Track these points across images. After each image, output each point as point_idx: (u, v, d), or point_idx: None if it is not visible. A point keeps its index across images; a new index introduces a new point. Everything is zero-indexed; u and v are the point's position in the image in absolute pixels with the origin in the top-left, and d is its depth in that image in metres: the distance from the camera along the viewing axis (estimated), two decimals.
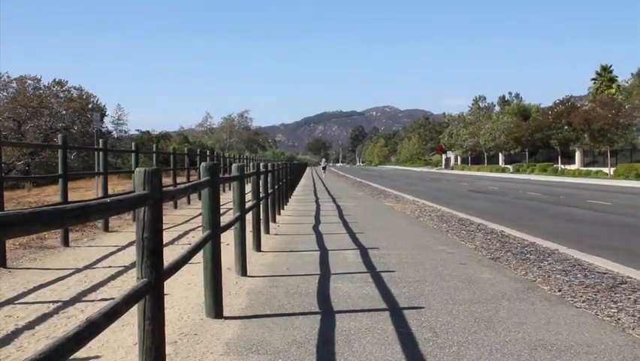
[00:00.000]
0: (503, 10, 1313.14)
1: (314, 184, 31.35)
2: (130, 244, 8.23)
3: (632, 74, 58.05)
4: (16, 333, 4.14)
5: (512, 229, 10.36)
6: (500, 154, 67.79)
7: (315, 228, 10.61)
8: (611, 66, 63.64)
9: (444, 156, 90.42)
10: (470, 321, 4.36)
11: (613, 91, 57.07)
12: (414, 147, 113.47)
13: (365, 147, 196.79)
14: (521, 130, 55.75)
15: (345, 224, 11.12)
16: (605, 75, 63.03)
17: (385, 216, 13.24)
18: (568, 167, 49.68)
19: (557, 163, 52.08)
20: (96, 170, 11.50)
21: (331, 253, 7.55)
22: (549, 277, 6.08)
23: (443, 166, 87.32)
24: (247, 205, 6.65)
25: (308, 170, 66.56)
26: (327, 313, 4.62)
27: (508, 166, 62.04)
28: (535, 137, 53.38)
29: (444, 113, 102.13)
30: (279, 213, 12.67)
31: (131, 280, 5.68)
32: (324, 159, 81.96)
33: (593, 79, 64.89)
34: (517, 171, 55.82)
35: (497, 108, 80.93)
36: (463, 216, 12.66)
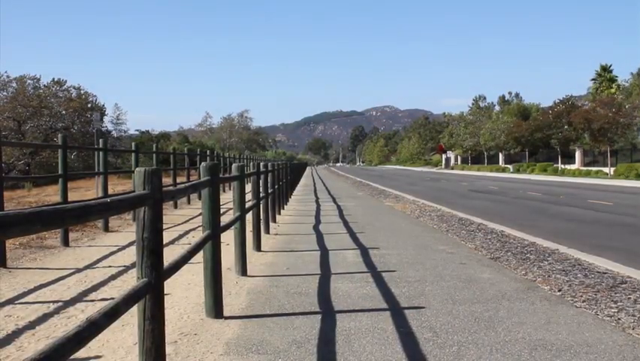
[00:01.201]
0: (504, 9, 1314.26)
1: (314, 184, 31.35)
2: (130, 244, 8.23)
3: (632, 74, 58.09)
4: (16, 333, 4.14)
5: (512, 228, 10.36)
6: (500, 154, 67.78)
7: (316, 228, 10.61)
8: (611, 66, 63.76)
9: (444, 156, 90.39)
10: (470, 321, 4.36)
11: (613, 91, 57.11)
12: (414, 146, 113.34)
13: (365, 147, 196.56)
14: (521, 130, 55.74)
15: (346, 224, 11.12)
16: (605, 75, 63.10)
17: (385, 216, 13.23)
18: (568, 167, 49.68)
19: (557, 163, 52.05)
20: (96, 170, 11.50)
21: (331, 253, 7.55)
22: (549, 276, 6.08)
23: (443, 166, 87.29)
24: (247, 205, 6.65)
25: (308, 170, 66.62)
26: (327, 313, 4.62)
27: (508, 166, 62.04)
28: (535, 137, 53.38)
29: (444, 113, 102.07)
30: (279, 213, 12.67)
31: (131, 280, 5.68)
32: (315, 161, 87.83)
33: (593, 79, 64.98)
34: (518, 170, 55.81)
35: (497, 108, 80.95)
36: (463, 216, 12.65)
